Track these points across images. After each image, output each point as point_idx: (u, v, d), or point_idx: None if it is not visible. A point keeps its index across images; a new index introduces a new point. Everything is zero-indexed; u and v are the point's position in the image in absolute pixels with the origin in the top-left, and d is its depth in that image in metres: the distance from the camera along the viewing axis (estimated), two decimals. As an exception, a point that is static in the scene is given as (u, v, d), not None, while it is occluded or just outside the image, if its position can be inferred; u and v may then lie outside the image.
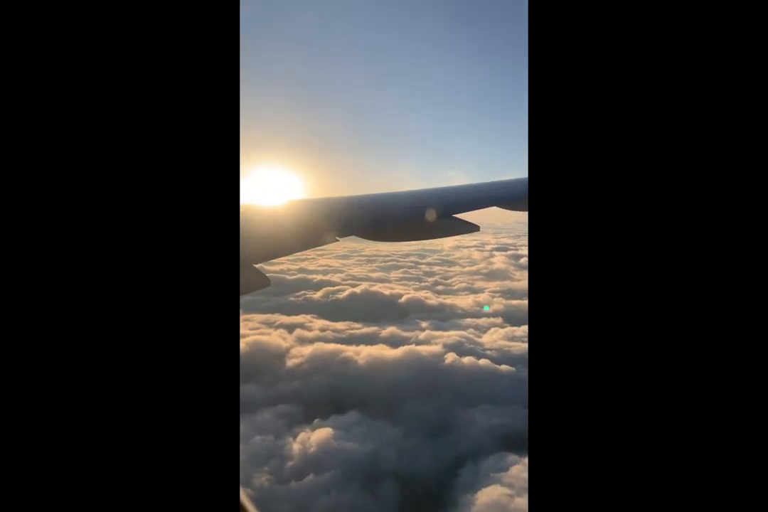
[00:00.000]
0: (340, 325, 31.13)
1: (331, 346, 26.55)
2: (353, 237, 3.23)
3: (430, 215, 3.62)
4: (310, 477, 16.39)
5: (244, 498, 0.97)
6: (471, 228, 3.48)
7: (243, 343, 26.50)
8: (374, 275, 49.22)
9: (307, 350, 26.25)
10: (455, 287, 44.29)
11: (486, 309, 36.24)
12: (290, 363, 25.06)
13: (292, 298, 37.73)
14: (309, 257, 56.79)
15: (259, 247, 2.87)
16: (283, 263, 49.31)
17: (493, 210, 3.81)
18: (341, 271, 50.23)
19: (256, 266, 2.73)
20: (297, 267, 50.02)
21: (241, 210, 3.46)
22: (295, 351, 26.38)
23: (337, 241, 3.09)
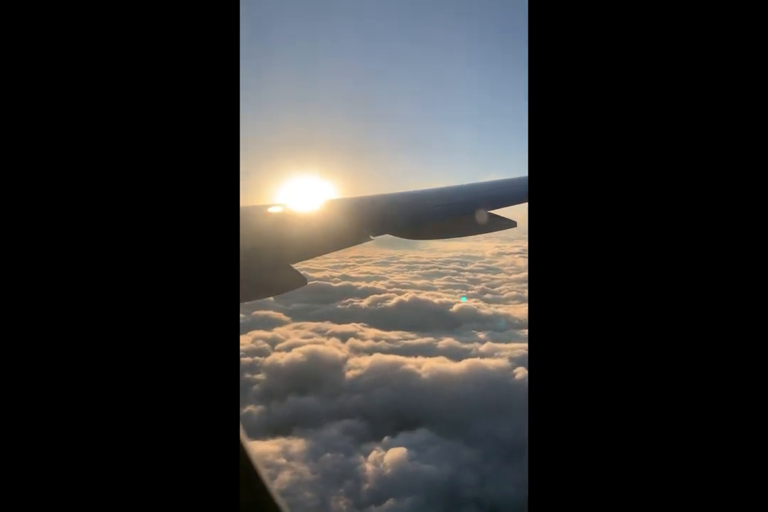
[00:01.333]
0: (392, 335, 30.12)
1: (390, 358, 25.51)
2: (387, 235, 3.14)
3: (474, 213, 3.41)
4: (390, 502, 15.30)
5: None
6: (507, 224, 3.36)
7: (299, 352, 25.85)
8: (418, 283, 48.09)
9: (365, 361, 25.30)
10: (504, 295, 42.70)
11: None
12: (350, 374, 24.16)
13: (339, 306, 37.03)
14: (349, 264, 56.45)
15: (294, 247, 2.83)
16: (324, 270, 49.02)
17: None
18: (384, 278, 49.33)
19: (295, 266, 2.67)
20: (339, 274, 49.51)
21: (276, 211, 3.50)
22: (352, 361, 25.48)
23: (371, 239, 3.04)
